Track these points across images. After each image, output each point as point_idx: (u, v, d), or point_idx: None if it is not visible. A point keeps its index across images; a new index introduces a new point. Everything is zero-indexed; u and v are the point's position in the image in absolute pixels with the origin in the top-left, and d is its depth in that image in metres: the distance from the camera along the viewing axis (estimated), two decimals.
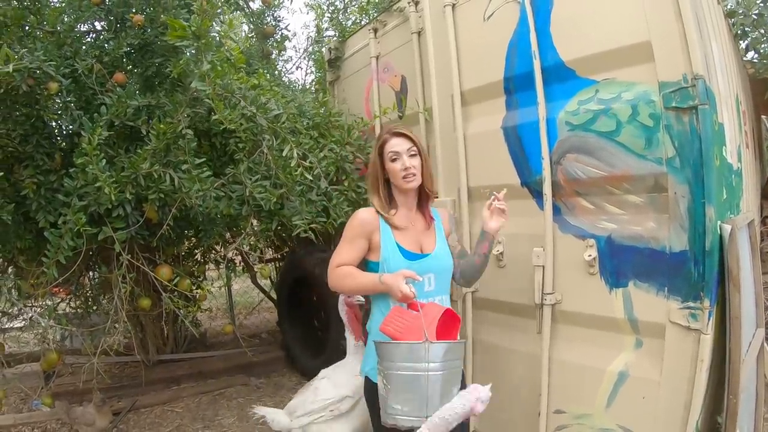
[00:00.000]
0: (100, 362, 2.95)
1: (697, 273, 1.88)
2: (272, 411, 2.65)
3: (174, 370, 4.43)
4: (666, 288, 1.95)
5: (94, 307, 3.81)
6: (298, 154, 2.26)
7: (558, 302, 2.27)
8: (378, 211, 1.95)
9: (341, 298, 2.44)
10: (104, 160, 2.42)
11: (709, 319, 1.86)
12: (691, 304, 1.89)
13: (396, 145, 1.92)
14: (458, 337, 1.84)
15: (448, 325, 1.79)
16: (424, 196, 2.02)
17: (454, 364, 1.66)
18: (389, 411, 1.64)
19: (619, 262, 2.07)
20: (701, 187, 1.85)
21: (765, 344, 2.80)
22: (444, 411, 1.56)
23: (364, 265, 1.99)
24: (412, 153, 1.92)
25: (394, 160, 1.92)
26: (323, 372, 2.59)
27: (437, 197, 2.48)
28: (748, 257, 2.53)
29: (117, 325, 2.95)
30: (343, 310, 2.47)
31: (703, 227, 1.86)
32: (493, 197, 1.97)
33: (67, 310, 3.74)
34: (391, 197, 1.98)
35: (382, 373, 1.68)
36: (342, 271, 1.94)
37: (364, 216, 1.96)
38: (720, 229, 1.89)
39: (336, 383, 2.47)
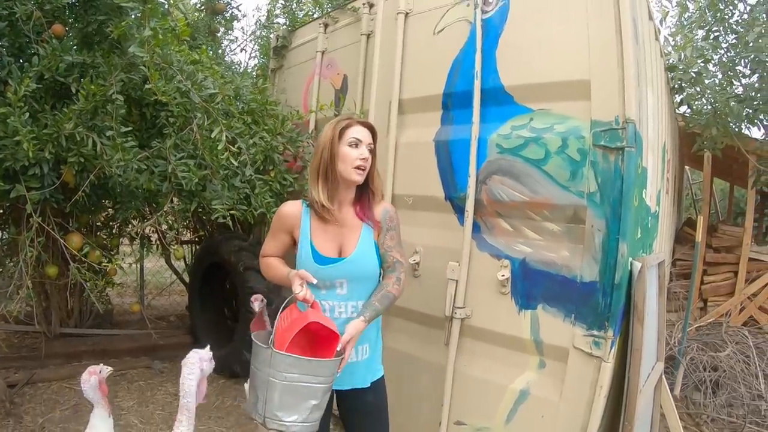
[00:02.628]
0: None
1: (604, 304, 1.97)
2: None
3: (76, 346, 4.19)
4: (573, 315, 2.04)
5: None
6: (227, 137, 2.20)
7: (468, 317, 2.32)
8: (310, 204, 1.83)
9: (89, 377, 1.94)
10: (27, 114, 2.27)
11: (611, 349, 1.95)
12: (595, 332, 1.98)
13: (359, 132, 1.81)
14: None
15: (329, 340, 1.68)
16: (366, 194, 1.88)
17: (303, 378, 1.57)
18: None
19: (531, 285, 2.14)
20: (617, 223, 1.94)
21: (663, 377, 2.98)
22: (181, 387, 1.68)
23: None
24: (370, 148, 1.83)
25: (353, 146, 1.78)
26: None
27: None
28: (655, 295, 2.68)
29: (20, 291, 2.76)
30: (91, 387, 1.94)
31: (614, 261, 1.95)
32: None
33: None
34: (334, 188, 1.82)
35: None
36: (264, 261, 1.94)
37: (286, 210, 1.89)
38: (630, 265, 2.00)
39: None
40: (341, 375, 1.78)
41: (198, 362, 1.73)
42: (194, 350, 1.75)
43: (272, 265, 1.90)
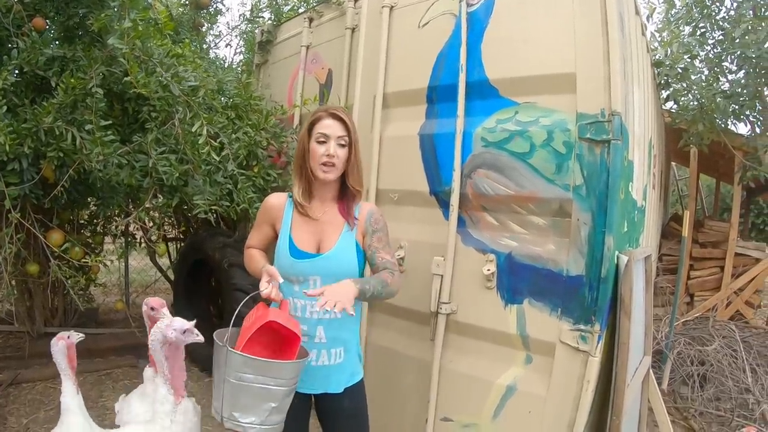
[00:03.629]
0: None
1: (590, 298, 1.97)
2: None
3: None
4: (559, 309, 2.03)
5: None
6: (209, 131, 2.16)
7: (453, 312, 2.30)
8: (294, 198, 1.79)
9: (56, 342, 2.00)
10: (6, 108, 2.23)
11: (598, 343, 1.95)
12: (582, 326, 1.97)
13: (328, 126, 1.72)
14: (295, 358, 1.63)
15: (292, 341, 1.63)
16: (348, 192, 1.81)
17: (259, 380, 1.52)
18: None
19: (517, 280, 2.13)
20: (604, 217, 1.93)
21: (651, 371, 2.99)
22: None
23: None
24: (342, 143, 1.73)
25: (319, 142, 1.72)
26: (120, 405, 2.32)
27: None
28: (642, 289, 2.68)
29: (1, 289, 2.72)
30: (59, 351, 1.99)
31: (601, 255, 1.94)
32: None
33: None
34: (311, 185, 1.78)
35: None
36: (247, 253, 1.91)
37: (270, 202, 1.86)
38: (617, 258, 1.99)
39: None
40: (314, 379, 1.75)
41: (163, 328, 1.82)
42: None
43: (253, 257, 1.86)
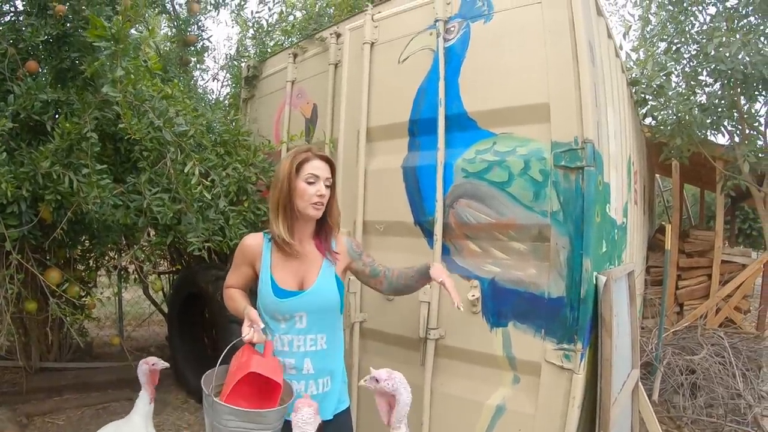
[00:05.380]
0: None
1: (572, 318, 2.04)
2: None
3: (57, 380, 4.15)
4: (543, 330, 2.10)
5: None
6: (200, 171, 2.24)
7: (441, 337, 2.36)
8: (272, 237, 1.83)
9: (141, 364, 2.42)
10: (5, 153, 2.30)
11: (581, 361, 2.02)
12: (565, 345, 2.05)
13: (318, 168, 1.79)
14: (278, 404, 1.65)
15: (270, 388, 1.66)
16: (325, 228, 1.88)
17: (244, 425, 1.55)
18: None
19: (501, 304, 2.20)
20: (581, 240, 2.02)
21: (640, 383, 3.05)
22: None
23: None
24: (327, 184, 1.81)
25: (310, 183, 1.77)
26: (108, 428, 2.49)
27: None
28: (626, 304, 2.76)
29: (0, 328, 2.76)
30: (142, 372, 2.42)
31: (579, 276, 2.02)
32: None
33: None
34: (293, 222, 1.82)
35: None
36: (227, 292, 1.94)
37: (247, 243, 1.89)
38: (596, 279, 2.07)
39: None
40: None
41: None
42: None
43: (233, 297, 1.90)
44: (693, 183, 7.53)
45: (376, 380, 1.60)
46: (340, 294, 1.86)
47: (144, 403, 2.45)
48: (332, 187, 1.85)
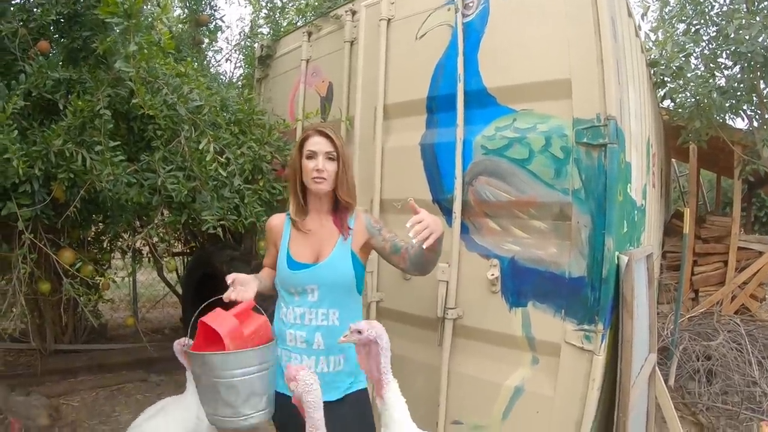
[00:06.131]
0: None
1: (593, 298, 2.00)
2: None
3: (72, 361, 4.20)
4: (563, 310, 2.06)
5: None
6: (215, 148, 2.21)
7: (459, 317, 2.34)
8: (291, 214, 1.90)
9: (174, 345, 2.32)
10: (16, 131, 2.28)
11: (602, 342, 1.98)
12: (585, 326, 2.01)
13: (316, 143, 1.82)
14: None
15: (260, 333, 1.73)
16: (341, 204, 1.89)
17: (218, 374, 1.65)
18: None
19: (521, 283, 2.17)
20: (603, 218, 1.97)
21: (656, 368, 3.01)
22: None
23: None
24: (330, 157, 1.82)
25: (309, 158, 1.82)
26: (161, 403, 2.49)
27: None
28: (644, 287, 2.71)
29: (14, 309, 2.76)
30: (178, 353, 2.32)
31: (601, 256, 1.98)
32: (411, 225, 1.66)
33: None
34: (306, 199, 1.89)
35: None
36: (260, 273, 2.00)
37: (272, 223, 1.97)
38: (617, 259, 2.03)
39: (170, 420, 2.36)
40: None
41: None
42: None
43: (258, 275, 1.95)
44: (709, 168, 7.43)
45: (359, 332, 1.59)
46: (356, 271, 1.85)
47: (191, 380, 2.35)
48: (339, 161, 1.84)
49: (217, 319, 1.69)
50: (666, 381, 3.61)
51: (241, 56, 4.81)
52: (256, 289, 1.80)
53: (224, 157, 2.36)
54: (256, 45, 3.99)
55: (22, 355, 4.44)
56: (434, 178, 2.43)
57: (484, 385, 2.27)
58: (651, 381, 2.97)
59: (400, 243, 1.88)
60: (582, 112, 2.02)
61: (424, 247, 1.62)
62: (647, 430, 2.91)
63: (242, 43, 4.75)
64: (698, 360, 3.93)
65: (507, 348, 2.21)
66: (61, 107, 2.47)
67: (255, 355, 1.67)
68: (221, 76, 4.37)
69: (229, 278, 1.77)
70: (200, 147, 2.23)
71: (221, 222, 2.47)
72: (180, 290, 5.01)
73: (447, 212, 2.38)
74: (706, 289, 5.37)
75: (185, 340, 2.25)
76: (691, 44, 4.86)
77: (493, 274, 2.20)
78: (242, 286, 1.76)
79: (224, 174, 2.33)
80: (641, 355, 2.59)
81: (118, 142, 2.35)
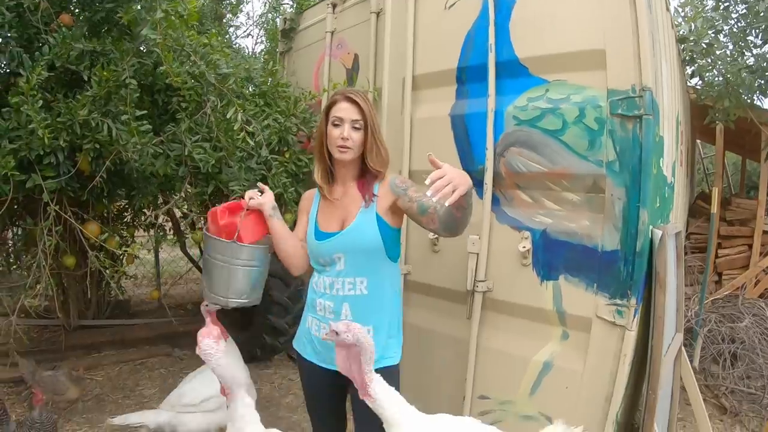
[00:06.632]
0: (19, 323, 2.76)
1: (626, 272, 1.97)
2: (137, 414, 2.58)
3: (95, 337, 4.24)
4: (595, 284, 2.03)
5: (15, 265, 3.58)
6: (242, 118, 2.18)
7: (489, 290, 2.31)
8: (317, 181, 1.84)
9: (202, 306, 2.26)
10: (41, 102, 2.26)
11: (634, 317, 1.96)
12: (618, 301, 1.98)
13: (343, 110, 1.74)
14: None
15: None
16: (369, 174, 1.81)
17: (220, 258, 1.88)
18: None
19: (552, 256, 2.14)
20: (638, 191, 1.94)
21: (683, 349, 2.97)
22: None
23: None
24: (357, 126, 1.73)
25: (335, 126, 1.74)
26: (201, 368, 2.62)
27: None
28: (674, 264, 2.67)
29: (39, 284, 2.78)
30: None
31: (635, 229, 1.94)
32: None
33: None
34: (333, 166, 1.83)
35: None
36: None
37: (305, 195, 1.96)
38: (651, 233, 1.99)
39: (206, 380, 2.46)
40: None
41: (213, 345, 1.85)
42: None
43: None
44: (735, 150, 7.26)
45: (336, 333, 1.53)
46: (385, 235, 1.76)
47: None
48: (368, 129, 1.75)
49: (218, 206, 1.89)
50: (690, 362, 3.57)
51: (261, 31, 4.77)
52: (269, 202, 1.84)
53: (251, 127, 2.33)
54: (278, 18, 3.95)
55: (46, 331, 4.50)
56: (465, 149, 2.40)
57: (512, 359, 2.25)
58: (677, 361, 2.93)
59: (428, 202, 1.70)
60: (617, 83, 1.98)
61: (447, 204, 1.46)
62: (671, 412, 2.87)
63: (264, 17, 4.70)
64: (723, 342, 3.87)
65: (537, 322, 2.19)
66: (86, 78, 2.45)
67: (225, 246, 1.85)
68: (244, 50, 4.35)
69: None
70: (228, 116, 2.21)
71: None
72: (203, 265, 5.01)
73: (478, 184, 2.33)
74: (729, 272, 5.27)
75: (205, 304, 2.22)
76: (720, 21, 4.74)
77: (524, 247, 2.17)
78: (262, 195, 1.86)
79: (252, 143, 2.30)
80: (670, 333, 2.56)
81: (145, 111, 2.33)
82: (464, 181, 1.49)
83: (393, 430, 1.55)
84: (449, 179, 1.45)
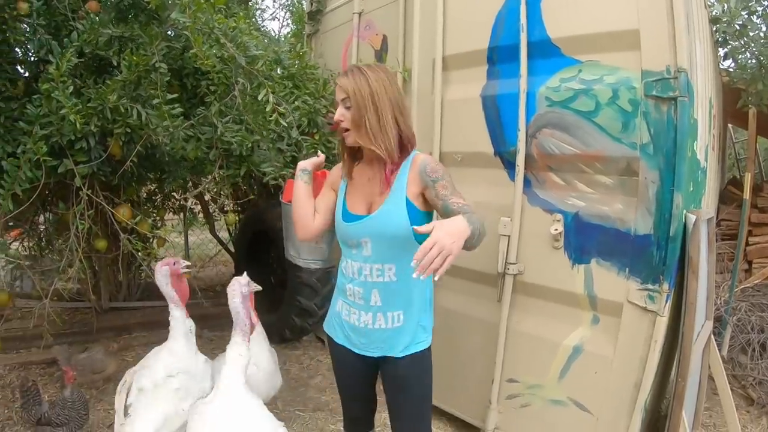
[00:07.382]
0: (52, 306, 2.83)
1: (659, 257, 1.95)
2: None
3: (126, 318, 4.33)
4: (627, 269, 2.01)
5: (48, 249, 3.67)
6: (273, 99, 2.17)
7: (520, 273, 2.30)
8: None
9: (159, 268, 2.12)
10: (71, 88, 2.29)
11: (666, 303, 1.93)
12: (650, 286, 1.96)
13: (336, 91, 1.69)
14: None
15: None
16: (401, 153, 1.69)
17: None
18: None
19: (584, 239, 2.12)
20: (672, 175, 1.90)
21: (712, 337, 2.92)
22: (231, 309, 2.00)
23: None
24: (347, 105, 1.64)
25: (336, 107, 1.70)
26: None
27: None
28: (706, 250, 2.62)
29: (71, 268, 2.84)
30: (163, 277, 2.12)
31: (669, 213, 1.92)
32: None
33: (20, 250, 3.58)
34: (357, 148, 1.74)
35: None
36: None
37: (337, 166, 1.87)
38: (685, 217, 1.95)
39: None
40: (372, 342, 1.75)
41: (237, 286, 1.98)
42: (234, 278, 2.01)
43: None
44: (767, 136, 7.08)
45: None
46: (413, 221, 1.65)
47: (179, 322, 2.18)
48: (360, 109, 1.62)
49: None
50: (719, 351, 3.51)
51: (287, 14, 4.76)
52: (301, 163, 1.91)
53: (282, 108, 2.33)
54: (305, 0, 3.93)
55: (78, 313, 4.59)
56: (496, 130, 2.38)
57: (541, 343, 2.25)
58: (706, 349, 2.89)
59: (452, 206, 1.60)
60: (651, 64, 1.94)
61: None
62: (698, 401, 2.83)
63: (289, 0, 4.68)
64: (752, 331, 3.79)
65: (567, 306, 2.18)
66: (115, 64, 2.48)
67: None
68: (272, 33, 4.34)
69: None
70: (259, 98, 2.20)
71: (282, 173, 2.44)
72: (232, 248, 5.10)
73: (509, 165, 2.33)
74: (760, 260, 5.16)
75: (174, 261, 2.21)
76: (754, 1, 4.59)
77: (556, 230, 2.15)
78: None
79: (284, 124, 2.30)
80: (700, 320, 2.52)
81: (176, 95, 2.34)
82: (456, 238, 1.38)
83: (217, 394, 1.82)
84: (439, 248, 1.33)
